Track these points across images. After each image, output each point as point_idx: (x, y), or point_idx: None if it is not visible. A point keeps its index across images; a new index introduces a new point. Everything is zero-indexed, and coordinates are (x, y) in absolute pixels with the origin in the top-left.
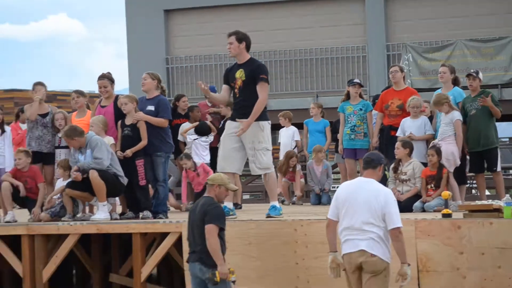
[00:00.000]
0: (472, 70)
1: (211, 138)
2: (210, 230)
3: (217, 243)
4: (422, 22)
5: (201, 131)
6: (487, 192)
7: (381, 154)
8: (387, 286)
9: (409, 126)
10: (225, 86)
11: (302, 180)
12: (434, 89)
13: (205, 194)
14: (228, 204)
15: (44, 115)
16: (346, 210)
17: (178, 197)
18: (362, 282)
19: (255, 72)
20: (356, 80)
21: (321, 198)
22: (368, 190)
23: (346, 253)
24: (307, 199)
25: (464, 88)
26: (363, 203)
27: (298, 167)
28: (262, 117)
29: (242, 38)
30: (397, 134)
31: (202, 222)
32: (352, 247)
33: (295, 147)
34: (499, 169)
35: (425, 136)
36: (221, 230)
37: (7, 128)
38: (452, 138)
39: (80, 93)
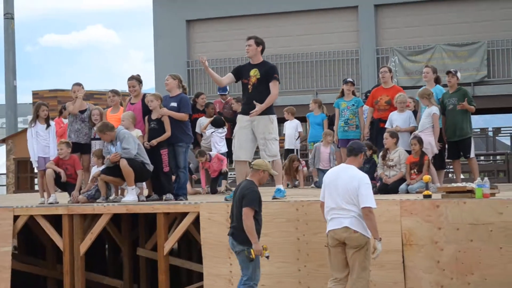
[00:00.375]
0: (452, 69)
1: (225, 130)
2: (246, 212)
3: (252, 225)
4: (406, 30)
5: (217, 123)
6: (462, 176)
7: (361, 143)
8: (369, 258)
9: (396, 119)
10: (230, 75)
11: (305, 169)
12: (417, 87)
13: (248, 177)
14: None
15: (82, 111)
16: (329, 193)
17: (198, 181)
18: (342, 256)
19: (269, 72)
20: (349, 79)
21: None
22: (346, 176)
23: (331, 230)
24: (308, 183)
25: (444, 86)
26: (342, 186)
27: (300, 167)
28: (271, 111)
29: (260, 42)
30: (386, 126)
31: (240, 203)
32: (337, 224)
33: (298, 137)
34: (472, 155)
35: (409, 128)
36: (256, 212)
37: (52, 122)
38: (430, 130)
39: (115, 92)
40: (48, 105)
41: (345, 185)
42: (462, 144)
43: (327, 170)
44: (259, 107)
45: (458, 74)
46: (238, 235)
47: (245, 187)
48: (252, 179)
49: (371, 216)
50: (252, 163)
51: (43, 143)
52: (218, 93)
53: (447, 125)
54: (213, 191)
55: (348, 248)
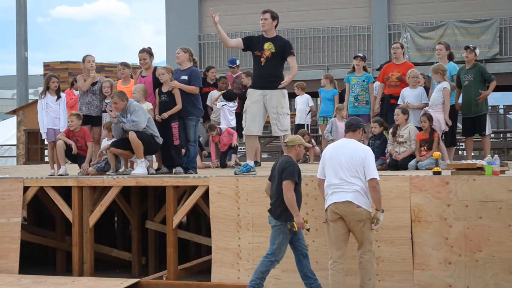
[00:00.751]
0: (471, 45)
1: (236, 104)
2: (287, 185)
3: (292, 197)
4: (419, 6)
5: (229, 96)
6: (472, 153)
7: (359, 119)
8: (371, 229)
9: (408, 95)
10: (239, 40)
11: (317, 148)
12: (429, 64)
13: (285, 154)
14: (249, 162)
15: (93, 84)
16: (332, 167)
17: (208, 156)
18: (342, 231)
19: (285, 47)
20: (360, 54)
21: None
22: (349, 148)
23: (333, 203)
24: (318, 159)
25: (457, 62)
26: (346, 159)
27: (313, 143)
28: (284, 86)
29: (275, 16)
30: (398, 102)
31: (279, 178)
32: (339, 198)
33: (309, 112)
34: (487, 133)
35: (420, 105)
36: (297, 185)
37: (62, 94)
38: (440, 107)
39: (125, 65)
40: (59, 77)
41: (350, 157)
42: (478, 120)
43: None
44: (288, 78)
45: (477, 51)
46: (275, 211)
47: (284, 161)
48: (289, 154)
49: (378, 188)
50: (286, 140)
51: (53, 115)
52: (227, 65)
53: (463, 101)
54: (223, 165)
55: (351, 222)
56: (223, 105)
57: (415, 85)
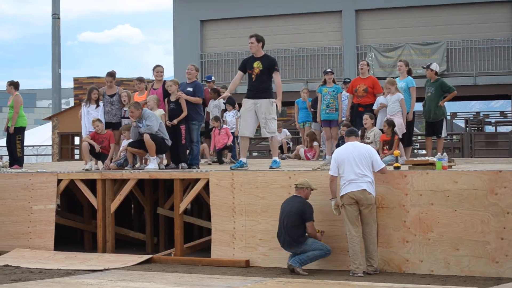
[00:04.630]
0: (425, 64)
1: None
2: (311, 225)
3: (314, 233)
4: (381, 30)
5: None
6: (424, 152)
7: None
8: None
9: (383, 101)
10: (240, 72)
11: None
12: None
13: (296, 194)
14: (243, 159)
15: (112, 95)
16: (349, 165)
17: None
18: (355, 213)
19: (271, 64)
20: (329, 70)
21: None
22: (358, 148)
23: (351, 191)
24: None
25: (414, 77)
26: (359, 157)
27: (315, 143)
28: (271, 95)
29: (260, 39)
30: (374, 107)
31: (296, 216)
32: (356, 187)
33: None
34: (442, 135)
35: (379, 106)
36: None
37: (101, 103)
38: (399, 113)
39: (140, 79)
40: (99, 89)
41: (363, 154)
42: (435, 124)
43: None
44: (278, 102)
45: (433, 66)
46: (290, 243)
47: (301, 203)
48: (299, 195)
49: (386, 171)
50: (297, 182)
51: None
52: (204, 79)
53: (425, 108)
54: (220, 162)
55: (362, 205)
56: (234, 117)
57: (391, 91)
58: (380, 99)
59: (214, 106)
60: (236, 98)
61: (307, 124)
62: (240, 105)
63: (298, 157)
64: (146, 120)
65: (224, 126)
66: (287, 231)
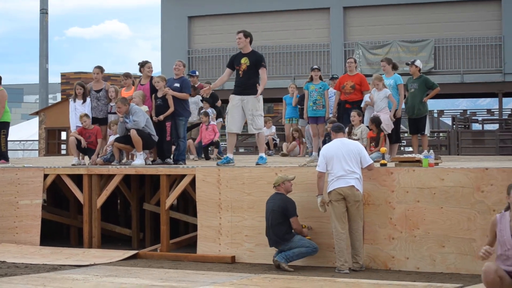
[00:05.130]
0: (410, 61)
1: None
2: (295, 221)
3: (301, 228)
4: (369, 28)
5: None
6: (410, 149)
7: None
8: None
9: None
10: (228, 70)
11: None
12: None
13: (277, 191)
14: (229, 155)
15: (98, 91)
16: (338, 161)
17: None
18: (343, 210)
19: (258, 60)
20: (315, 66)
21: None
22: (346, 145)
23: (339, 187)
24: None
25: (401, 74)
26: (347, 153)
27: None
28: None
29: (247, 34)
30: (362, 105)
31: (278, 214)
32: (344, 183)
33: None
34: (426, 132)
35: (365, 104)
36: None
37: (88, 99)
38: (386, 109)
39: (127, 75)
40: (84, 84)
41: (352, 151)
42: (420, 121)
43: None
44: (260, 90)
45: (417, 63)
46: (277, 241)
47: (281, 199)
48: (280, 191)
49: (374, 167)
50: (273, 182)
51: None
52: (188, 73)
53: (408, 105)
54: (207, 158)
55: (349, 202)
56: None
57: (379, 87)
58: (367, 97)
59: (192, 103)
60: (223, 94)
61: (293, 120)
62: (224, 101)
63: (293, 153)
64: (133, 116)
65: (212, 122)
66: (273, 229)
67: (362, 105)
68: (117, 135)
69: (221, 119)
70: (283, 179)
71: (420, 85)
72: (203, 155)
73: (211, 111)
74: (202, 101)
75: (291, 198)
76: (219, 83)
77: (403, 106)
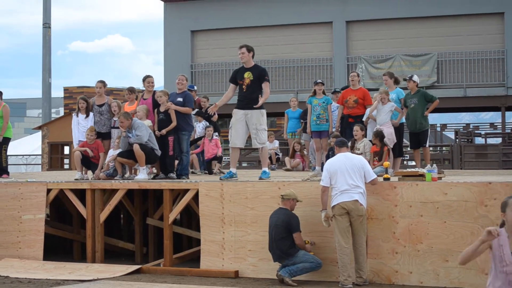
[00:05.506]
0: (408, 75)
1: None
2: (298, 236)
3: (303, 243)
4: (372, 42)
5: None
6: (413, 163)
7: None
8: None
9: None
10: (232, 85)
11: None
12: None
13: (281, 206)
14: (232, 169)
15: (101, 105)
16: (342, 175)
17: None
18: (346, 224)
19: (261, 74)
20: (319, 80)
21: None
22: (350, 159)
23: (342, 202)
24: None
25: (404, 88)
26: (353, 167)
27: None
28: (262, 106)
29: (250, 49)
30: (363, 119)
31: (283, 228)
32: (348, 198)
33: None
34: (427, 145)
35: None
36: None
37: (91, 113)
38: (389, 123)
39: (131, 90)
40: (87, 99)
41: (355, 165)
42: (422, 135)
43: None
44: (261, 102)
45: (414, 78)
46: (281, 256)
47: (286, 214)
48: (285, 206)
49: (377, 182)
50: (283, 193)
51: (83, 130)
52: (187, 88)
53: (409, 120)
54: (210, 172)
55: (352, 216)
56: (202, 128)
57: (385, 101)
58: (368, 112)
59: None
60: (225, 109)
61: (296, 136)
62: (226, 116)
63: (298, 168)
64: (136, 130)
65: (215, 136)
66: (276, 244)
67: (364, 119)
68: (118, 150)
69: (217, 134)
70: (294, 196)
71: (420, 99)
72: (206, 170)
73: (203, 124)
74: (194, 114)
75: (294, 213)
76: (226, 100)
77: (402, 119)
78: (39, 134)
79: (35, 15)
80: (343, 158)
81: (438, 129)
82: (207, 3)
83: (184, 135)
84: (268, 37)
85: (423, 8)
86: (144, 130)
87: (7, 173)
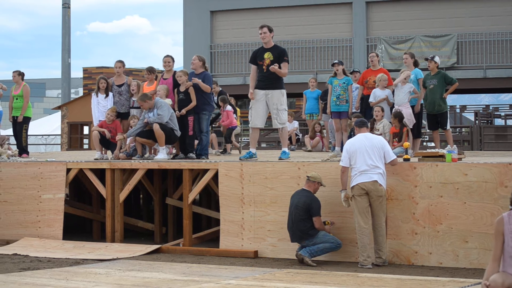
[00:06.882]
0: (430, 56)
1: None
2: (318, 220)
3: (323, 226)
4: (391, 23)
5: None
6: (433, 144)
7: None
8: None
9: (379, 95)
10: (253, 66)
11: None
12: (399, 70)
13: (305, 187)
14: (252, 149)
15: (120, 85)
16: (361, 156)
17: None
18: (366, 204)
19: (281, 54)
20: (336, 61)
21: None
22: (370, 139)
23: (361, 182)
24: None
25: (422, 69)
26: (371, 148)
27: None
28: (282, 86)
29: (271, 29)
30: (370, 99)
31: (303, 211)
32: (367, 178)
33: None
34: (448, 127)
35: (382, 98)
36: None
37: (110, 93)
38: (408, 104)
39: (150, 70)
40: (107, 79)
41: (375, 146)
42: (441, 117)
43: None
44: (276, 67)
45: (436, 59)
46: (301, 236)
47: (308, 197)
48: (308, 189)
49: (397, 162)
50: (309, 175)
51: (103, 110)
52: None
53: (428, 101)
54: (227, 142)
55: (372, 196)
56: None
57: (384, 87)
58: (376, 92)
59: None
60: (242, 89)
61: (314, 117)
62: (244, 96)
63: (316, 148)
64: (158, 109)
65: (227, 108)
66: (296, 224)
67: (371, 100)
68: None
69: (230, 107)
70: (319, 180)
71: (439, 81)
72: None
73: (229, 108)
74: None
75: (316, 197)
76: (253, 82)
77: (421, 101)
78: (58, 114)
79: None
80: (363, 138)
81: (458, 110)
82: None
83: (204, 114)
84: (287, 17)
85: None
86: (166, 110)
87: (27, 153)
